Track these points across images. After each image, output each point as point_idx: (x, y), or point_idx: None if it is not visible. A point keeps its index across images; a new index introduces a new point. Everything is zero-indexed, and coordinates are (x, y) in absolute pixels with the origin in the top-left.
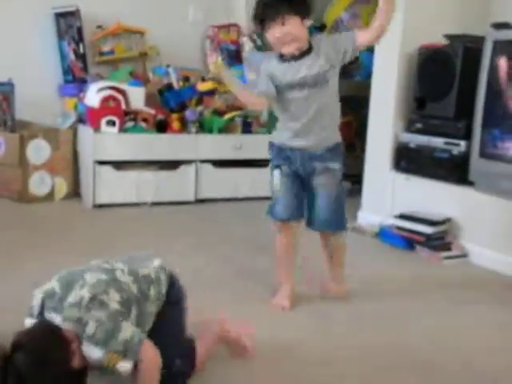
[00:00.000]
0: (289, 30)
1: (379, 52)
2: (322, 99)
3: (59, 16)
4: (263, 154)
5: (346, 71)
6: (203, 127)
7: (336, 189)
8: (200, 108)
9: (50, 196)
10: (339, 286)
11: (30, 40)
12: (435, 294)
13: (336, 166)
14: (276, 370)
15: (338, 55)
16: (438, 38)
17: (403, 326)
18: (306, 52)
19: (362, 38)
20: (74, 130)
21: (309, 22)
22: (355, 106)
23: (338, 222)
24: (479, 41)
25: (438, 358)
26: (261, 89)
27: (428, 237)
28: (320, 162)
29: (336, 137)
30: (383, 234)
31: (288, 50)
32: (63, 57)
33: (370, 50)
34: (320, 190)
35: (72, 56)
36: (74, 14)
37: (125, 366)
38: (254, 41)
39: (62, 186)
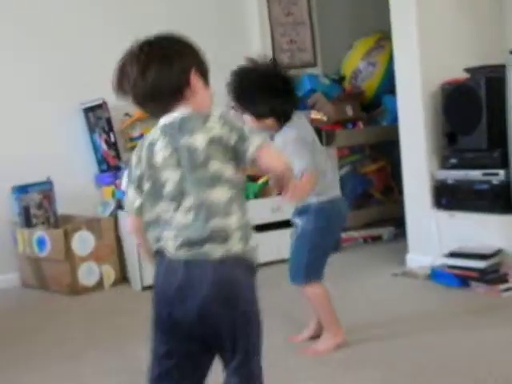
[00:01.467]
0: None
1: (402, 94)
2: None
3: (88, 110)
4: None
5: (371, 118)
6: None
7: (295, 243)
8: None
9: (99, 285)
10: (319, 342)
11: (63, 137)
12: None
13: (301, 222)
14: None
15: None
16: (458, 72)
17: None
18: None
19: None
20: (114, 217)
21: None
22: (386, 151)
23: (292, 274)
24: (499, 69)
25: None
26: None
27: (482, 271)
28: (293, 216)
29: (309, 198)
30: (435, 274)
31: None
32: (96, 148)
33: (393, 93)
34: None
35: (104, 146)
36: (101, 107)
37: None
38: None
39: (110, 273)
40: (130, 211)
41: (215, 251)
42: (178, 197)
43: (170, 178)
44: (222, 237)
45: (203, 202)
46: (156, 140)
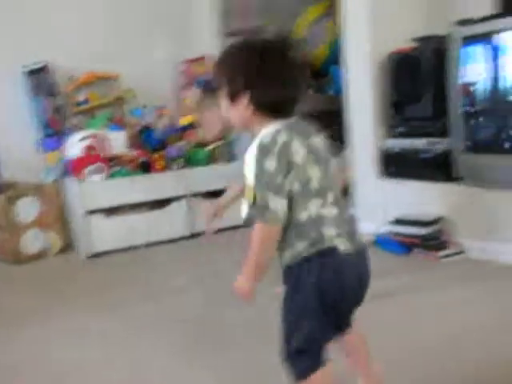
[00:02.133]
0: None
1: (350, 64)
2: None
3: (30, 73)
4: None
5: (318, 86)
6: (188, 161)
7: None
8: (182, 143)
9: (44, 252)
10: None
11: (4, 101)
12: (436, 292)
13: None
14: None
15: None
16: (405, 42)
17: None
18: None
19: None
20: (59, 183)
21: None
22: (327, 122)
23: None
24: (445, 40)
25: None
26: None
27: (423, 238)
28: None
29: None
30: (380, 241)
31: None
32: (40, 112)
33: (340, 63)
34: None
35: (48, 110)
36: (44, 70)
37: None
38: None
39: (56, 241)
40: (278, 221)
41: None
42: (323, 193)
43: (314, 175)
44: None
45: (338, 196)
46: (290, 140)
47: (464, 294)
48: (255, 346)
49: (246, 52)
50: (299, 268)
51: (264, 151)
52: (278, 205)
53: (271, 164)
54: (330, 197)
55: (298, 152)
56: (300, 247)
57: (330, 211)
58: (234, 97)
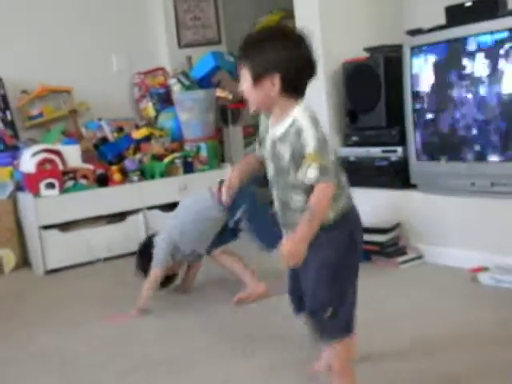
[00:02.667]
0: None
1: None
2: None
3: None
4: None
5: None
6: (145, 174)
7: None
8: (138, 156)
9: None
10: None
11: None
12: (395, 298)
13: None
14: None
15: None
16: (358, 53)
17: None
18: None
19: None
20: (13, 198)
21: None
22: None
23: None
24: (398, 49)
25: None
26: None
27: (382, 245)
28: None
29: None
30: None
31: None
32: None
33: None
34: None
35: (0, 125)
36: None
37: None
38: (181, 81)
39: (10, 258)
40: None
41: None
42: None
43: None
44: None
45: None
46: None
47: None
48: None
49: (281, 37)
50: (336, 225)
51: (316, 121)
52: (333, 167)
53: (323, 132)
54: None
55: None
56: (341, 203)
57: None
58: (261, 77)
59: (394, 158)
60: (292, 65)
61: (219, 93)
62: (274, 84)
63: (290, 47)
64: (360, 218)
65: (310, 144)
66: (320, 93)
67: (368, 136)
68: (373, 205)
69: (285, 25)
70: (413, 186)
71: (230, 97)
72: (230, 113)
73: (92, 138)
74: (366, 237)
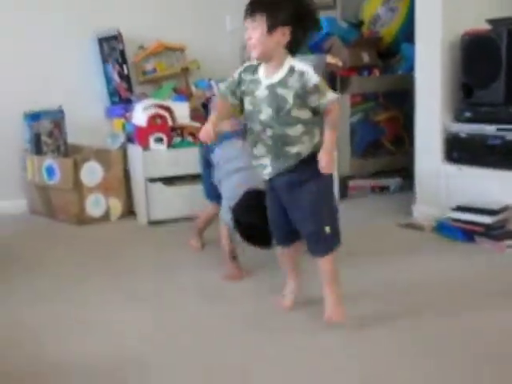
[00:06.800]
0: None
1: (421, 43)
2: None
3: (102, 40)
4: None
5: (388, 66)
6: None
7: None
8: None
9: (105, 217)
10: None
11: (75, 65)
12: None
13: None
14: None
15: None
16: (479, 23)
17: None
18: None
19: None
20: (123, 149)
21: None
22: (400, 100)
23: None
24: None
25: None
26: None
27: (488, 227)
28: None
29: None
30: (441, 227)
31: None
32: (109, 79)
33: (411, 41)
34: None
35: (117, 78)
36: (116, 38)
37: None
38: None
39: (117, 206)
40: None
41: None
42: None
43: None
44: None
45: None
46: None
47: None
48: None
49: None
50: (314, 157)
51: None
52: None
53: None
54: None
55: None
56: (316, 139)
57: None
58: (276, 28)
59: (509, 137)
60: (302, 22)
61: (329, 59)
62: (284, 35)
63: (304, 5)
64: None
65: (313, 78)
66: (434, 63)
67: (483, 112)
68: (481, 184)
69: None
70: None
71: (340, 64)
72: (338, 80)
73: (201, 97)
74: (471, 217)
